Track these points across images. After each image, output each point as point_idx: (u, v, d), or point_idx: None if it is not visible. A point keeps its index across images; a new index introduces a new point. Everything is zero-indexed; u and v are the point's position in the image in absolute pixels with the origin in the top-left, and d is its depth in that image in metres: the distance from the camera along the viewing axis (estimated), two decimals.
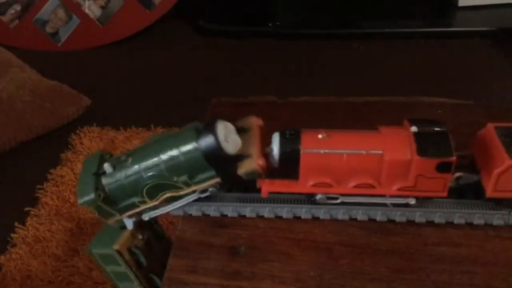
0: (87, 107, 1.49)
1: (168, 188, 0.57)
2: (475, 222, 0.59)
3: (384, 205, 0.59)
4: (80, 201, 0.58)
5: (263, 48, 1.77)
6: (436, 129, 0.56)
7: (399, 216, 0.60)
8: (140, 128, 1.40)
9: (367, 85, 1.50)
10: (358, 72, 1.62)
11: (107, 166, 0.58)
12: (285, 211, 0.61)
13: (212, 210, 0.62)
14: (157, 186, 0.57)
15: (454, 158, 0.53)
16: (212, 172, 0.55)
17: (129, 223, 0.62)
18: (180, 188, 0.57)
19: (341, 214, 0.60)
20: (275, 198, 0.61)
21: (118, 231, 0.63)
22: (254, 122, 0.59)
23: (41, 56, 1.72)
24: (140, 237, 0.65)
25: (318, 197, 0.58)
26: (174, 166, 0.55)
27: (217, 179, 0.56)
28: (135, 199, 0.58)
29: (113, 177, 0.58)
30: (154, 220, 0.66)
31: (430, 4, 1.91)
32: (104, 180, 0.58)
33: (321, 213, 0.60)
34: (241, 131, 0.57)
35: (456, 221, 0.59)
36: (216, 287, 0.56)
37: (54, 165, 1.31)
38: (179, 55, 1.76)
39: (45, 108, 1.42)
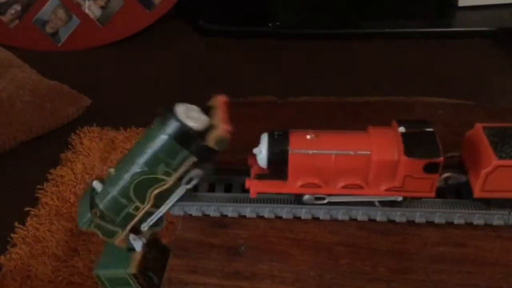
0: (87, 107, 1.49)
1: (152, 183, 0.57)
2: (475, 222, 0.59)
3: (371, 203, 0.59)
4: (80, 224, 0.59)
5: (263, 48, 1.77)
6: (424, 129, 0.56)
7: (399, 216, 0.60)
8: (140, 128, 1.40)
9: (367, 85, 1.50)
10: (358, 72, 1.62)
11: (96, 184, 0.60)
12: (285, 211, 0.61)
13: (212, 210, 0.62)
14: (142, 184, 0.57)
15: (441, 158, 0.53)
16: (185, 152, 0.56)
17: (138, 245, 0.62)
18: (163, 180, 0.57)
19: (341, 214, 0.60)
20: (275, 198, 0.61)
21: (124, 252, 0.63)
22: (219, 99, 0.59)
23: (41, 56, 1.72)
24: (149, 256, 0.64)
25: (305, 197, 0.59)
26: (151, 159, 0.56)
27: (193, 159, 0.56)
28: (129, 208, 0.59)
29: (104, 193, 0.59)
30: (157, 235, 0.67)
31: (430, 4, 1.91)
32: (97, 199, 0.59)
33: (321, 213, 0.60)
34: (208, 111, 0.57)
35: (456, 221, 0.59)
36: (216, 287, 0.56)
37: (54, 165, 1.31)
38: (179, 55, 1.76)
39: (45, 108, 1.42)
